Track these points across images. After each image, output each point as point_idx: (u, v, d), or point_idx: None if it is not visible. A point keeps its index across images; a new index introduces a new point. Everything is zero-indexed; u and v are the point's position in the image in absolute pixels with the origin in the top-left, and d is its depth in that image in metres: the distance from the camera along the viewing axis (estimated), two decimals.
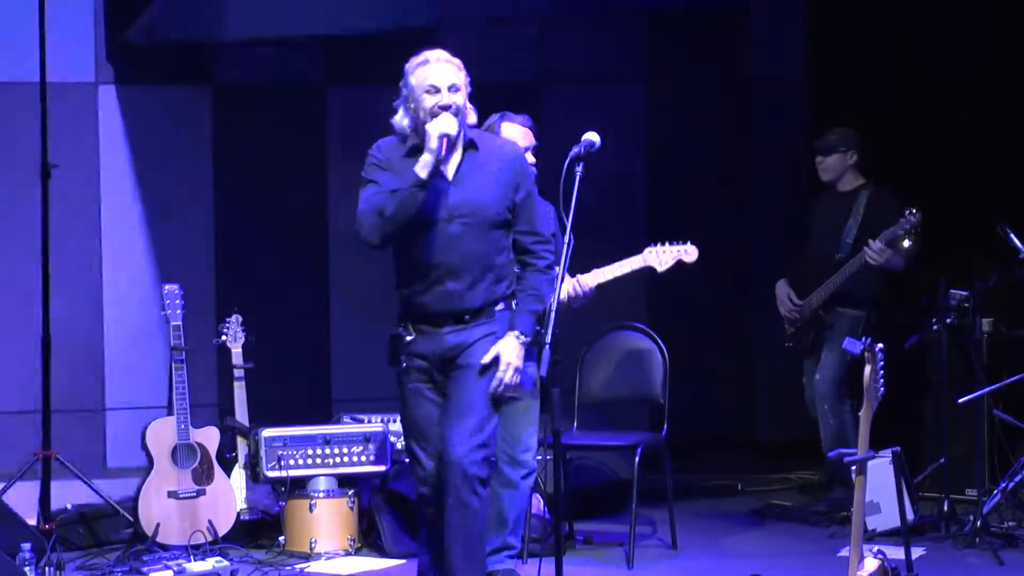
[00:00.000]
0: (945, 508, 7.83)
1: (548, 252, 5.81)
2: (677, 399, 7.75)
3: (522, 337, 5.70)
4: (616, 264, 6.63)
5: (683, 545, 7.71)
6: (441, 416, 5.78)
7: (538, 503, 7.58)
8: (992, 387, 7.80)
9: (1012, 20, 8.68)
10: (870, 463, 5.42)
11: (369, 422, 7.92)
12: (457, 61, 5.84)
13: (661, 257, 6.67)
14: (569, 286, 6.54)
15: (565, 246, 5.50)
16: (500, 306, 5.77)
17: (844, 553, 5.95)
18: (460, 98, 5.74)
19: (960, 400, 7.77)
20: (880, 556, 5.50)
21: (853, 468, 5.47)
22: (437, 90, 5.73)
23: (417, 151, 5.70)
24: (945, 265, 8.09)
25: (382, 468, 7.79)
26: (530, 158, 6.66)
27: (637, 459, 7.43)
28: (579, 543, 7.73)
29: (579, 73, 9.97)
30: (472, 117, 5.86)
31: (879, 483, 6.59)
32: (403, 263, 5.84)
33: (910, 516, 7.35)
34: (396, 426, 7.98)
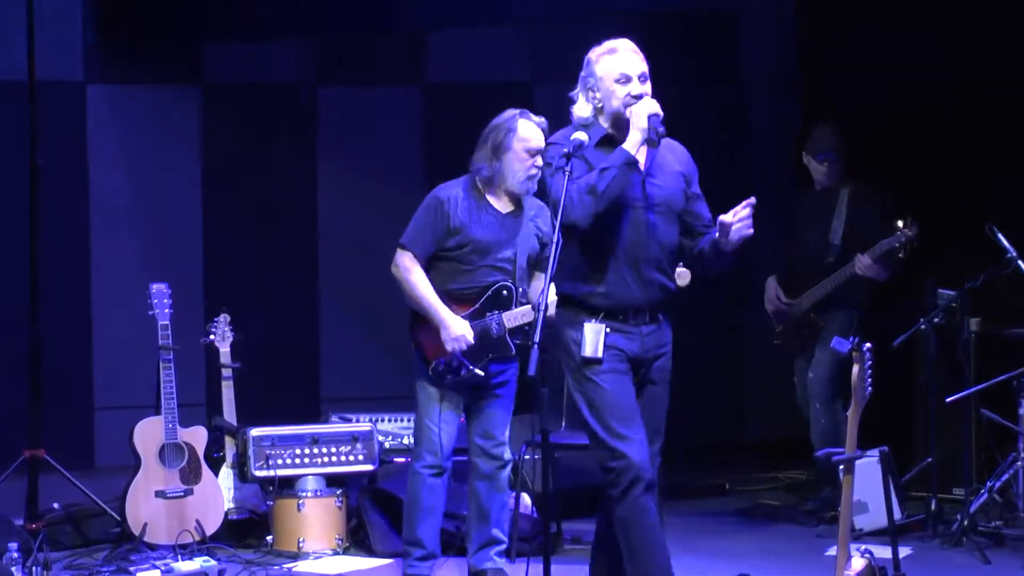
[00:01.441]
0: (932, 507, 7.85)
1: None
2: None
3: None
4: None
5: (671, 545, 7.69)
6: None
7: (527, 503, 7.58)
8: (979, 386, 7.81)
9: (998, 22, 8.70)
10: (858, 462, 5.43)
11: (357, 421, 7.92)
12: (641, 53, 5.82)
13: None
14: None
15: (554, 246, 5.48)
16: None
17: (832, 552, 5.97)
18: (649, 88, 5.71)
19: (948, 400, 7.79)
20: (867, 555, 5.51)
21: (841, 467, 5.48)
22: (628, 79, 5.69)
23: (608, 141, 5.67)
24: (934, 265, 8.11)
25: (370, 468, 7.78)
26: (539, 162, 6.64)
27: None
28: (567, 543, 7.72)
29: (570, 73, 9.97)
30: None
31: (867, 482, 6.60)
32: (588, 252, 5.68)
33: (897, 515, 7.36)
34: (384, 425, 8.00)
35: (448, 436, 6.64)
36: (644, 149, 5.64)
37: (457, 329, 6.54)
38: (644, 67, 5.71)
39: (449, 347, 6.55)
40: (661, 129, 5.59)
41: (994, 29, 8.73)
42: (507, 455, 6.76)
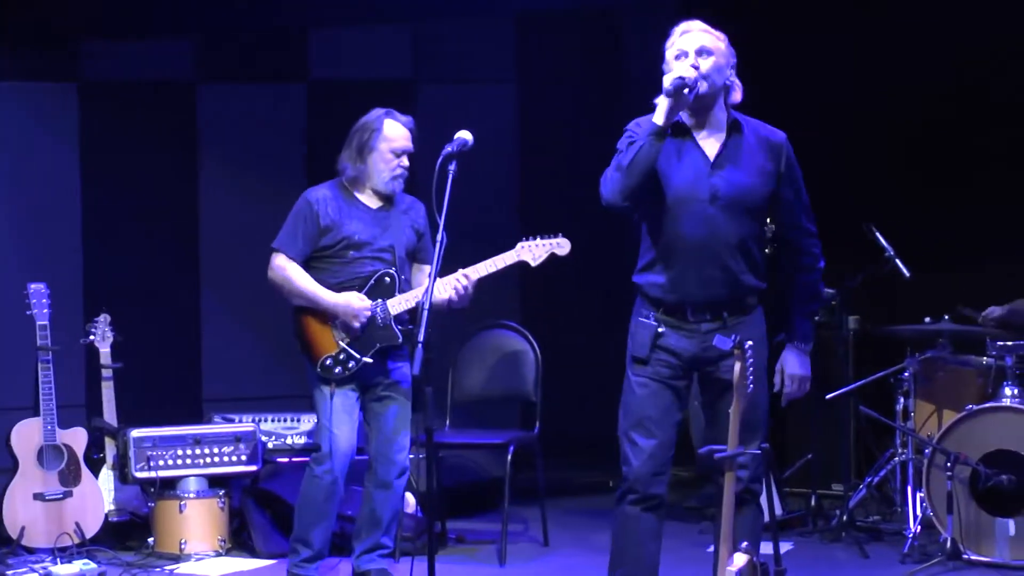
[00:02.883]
0: (812, 503, 7.95)
1: (815, 247, 5.58)
2: (550, 397, 7.78)
3: (805, 346, 5.56)
4: (489, 260, 6.60)
5: (555, 542, 7.75)
6: (707, 428, 5.64)
7: (411, 502, 7.57)
8: (858, 384, 7.92)
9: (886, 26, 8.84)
10: (739, 459, 5.47)
11: (240, 422, 7.86)
12: (718, 33, 5.48)
13: (534, 251, 6.63)
14: (450, 290, 6.46)
15: (438, 245, 5.47)
16: (753, 301, 5.52)
17: (714, 549, 6.00)
18: (709, 63, 5.36)
19: (827, 397, 7.89)
20: (749, 551, 5.56)
21: (723, 464, 5.52)
22: (685, 54, 5.41)
23: (675, 128, 5.41)
24: None
25: (253, 468, 7.73)
26: (405, 162, 6.64)
27: (509, 457, 7.45)
28: (452, 542, 7.73)
29: (452, 72, 9.98)
30: (737, 95, 5.51)
31: None
32: (653, 243, 5.51)
33: (778, 511, 7.44)
34: (267, 425, 7.94)
35: (346, 438, 6.60)
36: (717, 140, 5.44)
37: (353, 306, 6.53)
38: (707, 41, 5.40)
39: (355, 323, 6.52)
40: (689, 95, 5.31)
41: (881, 32, 8.86)
42: (405, 462, 6.72)
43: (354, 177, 6.66)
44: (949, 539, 7.05)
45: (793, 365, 5.59)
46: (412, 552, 6.79)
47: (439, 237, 5.45)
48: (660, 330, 5.51)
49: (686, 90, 5.29)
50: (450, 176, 5.50)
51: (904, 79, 8.83)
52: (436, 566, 5.44)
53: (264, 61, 9.67)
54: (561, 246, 6.62)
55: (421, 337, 5.27)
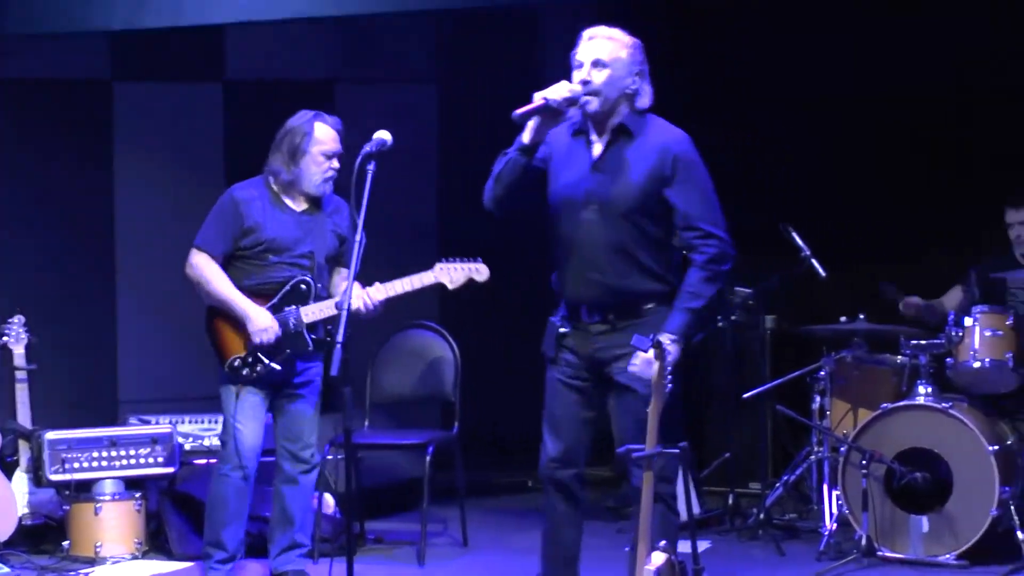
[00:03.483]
0: (730, 502, 8.00)
1: (708, 247, 5.51)
2: (469, 397, 7.79)
3: (672, 337, 5.39)
4: (406, 279, 6.61)
5: (474, 542, 7.75)
6: (615, 432, 5.64)
7: (329, 503, 7.55)
8: (775, 383, 7.98)
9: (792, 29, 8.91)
10: (657, 458, 5.49)
11: (157, 423, 7.80)
12: (624, 39, 5.54)
13: (452, 275, 6.64)
14: (358, 301, 6.45)
15: (357, 245, 5.46)
16: (650, 305, 5.52)
17: (631, 548, 6.03)
18: (603, 76, 5.46)
19: (744, 396, 7.94)
20: (667, 550, 5.58)
21: (641, 463, 5.54)
22: (581, 65, 5.49)
23: (579, 130, 5.55)
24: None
25: (170, 470, 7.67)
26: (335, 164, 6.62)
27: (429, 457, 7.45)
28: (370, 542, 7.72)
29: (371, 72, 9.95)
30: (643, 100, 5.55)
31: None
32: (551, 247, 5.64)
33: (696, 510, 7.47)
34: (185, 427, 7.89)
35: (253, 436, 6.57)
36: (602, 142, 5.51)
37: (262, 321, 6.50)
38: (602, 53, 5.47)
39: (257, 339, 6.49)
40: (567, 110, 5.41)
41: (789, 35, 8.94)
42: (314, 459, 6.71)
43: (287, 182, 6.63)
44: (864, 536, 7.12)
45: (643, 361, 5.45)
46: (330, 553, 6.77)
47: (358, 237, 5.46)
48: (562, 330, 5.61)
49: (568, 107, 5.41)
50: (369, 176, 5.49)
51: (815, 78, 8.93)
52: (355, 567, 5.44)
53: (180, 60, 9.60)
54: (479, 272, 6.64)
55: (340, 338, 5.26)
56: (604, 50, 5.49)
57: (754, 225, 8.22)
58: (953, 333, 7.39)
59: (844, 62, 8.95)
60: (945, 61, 8.71)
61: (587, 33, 5.55)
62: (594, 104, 5.46)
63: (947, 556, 7.08)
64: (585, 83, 5.46)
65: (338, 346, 5.25)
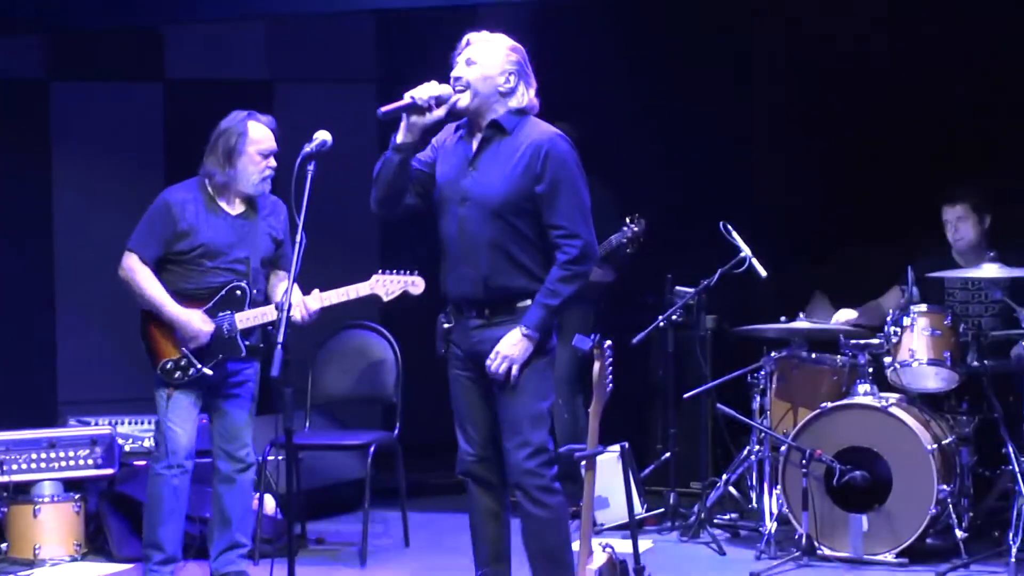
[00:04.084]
0: (671, 501, 8.02)
1: (571, 247, 5.50)
2: (410, 398, 7.77)
3: (525, 331, 5.46)
4: (342, 290, 6.61)
5: (415, 542, 7.75)
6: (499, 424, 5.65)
7: (270, 504, 7.52)
8: (715, 382, 8.01)
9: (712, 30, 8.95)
10: (599, 458, 5.50)
11: (96, 424, 7.75)
12: (504, 41, 5.66)
13: (388, 286, 6.66)
14: (296, 309, 6.44)
15: (297, 246, 5.45)
16: (525, 303, 5.53)
17: (574, 547, 6.03)
18: (475, 73, 5.56)
19: (685, 396, 7.97)
20: (608, 550, 5.60)
21: (583, 463, 5.55)
22: (455, 64, 5.63)
23: (466, 129, 5.66)
24: (670, 262, 8.27)
25: (110, 471, 7.62)
26: (272, 163, 6.60)
27: (370, 458, 7.44)
28: (312, 543, 7.70)
29: (311, 71, 9.92)
30: (519, 100, 5.59)
31: (608, 478, 6.70)
32: (438, 243, 5.70)
33: (637, 510, 7.49)
34: (124, 428, 7.84)
35: (186, 436, 6.55)
36: (478, 139, 5.59)
37: (193, 325, 6.49)
38: (475, 51, 5.61)
39: (190, 344, 6.47)
40: (435, 107, 5.51)
41: (726, 35, 8.98)
42: (250, 458, 6.69)
43: (223, 183, 6.60)
44: (804, 535, 7.16)
45: (503, 342, 5.53)
46: (272, 554, 6.75)
47: (298, 238, 5.43)
48: (446, 325, 5.68)
49: (437, 105, 5.51)
50: (309, 177, 5.47)
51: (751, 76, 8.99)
52: (296, 568, 5.41)
53: (119, 60, 9.54)
54: (415, 285, 6.66)
55: (280, 338, 5.24)
56: (478, 50, 5.62)
57: (694, 225, 8.28)
58: (892, 333, 7.44)
59: (780, 63, 9.00)
60: (881, 61, 8.77)
61: (467, 37, 5.70)
62: (464, 100, 5.57)
63: (886, 554, 7.12)
64: (456, 79, 5.58)
65: (278, 347, 5.23)
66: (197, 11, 8.47)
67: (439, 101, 5.53)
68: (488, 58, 5.59)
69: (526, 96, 5.62)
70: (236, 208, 6.63)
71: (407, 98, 5.53)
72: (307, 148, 5.56)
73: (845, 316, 7.89)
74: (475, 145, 5.62)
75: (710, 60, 9.08)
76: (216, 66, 9.72)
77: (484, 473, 5.72)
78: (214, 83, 9.57)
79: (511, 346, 5.49)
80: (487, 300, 5.57)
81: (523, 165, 5.52)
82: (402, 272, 6.66)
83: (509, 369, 5.49)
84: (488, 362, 5.51)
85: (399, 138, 5.57)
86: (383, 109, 5.54)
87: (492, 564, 5.78)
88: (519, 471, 5.55)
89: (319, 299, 6.53)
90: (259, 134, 6.58)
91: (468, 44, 5.65)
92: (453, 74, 5.59)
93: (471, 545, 5.82)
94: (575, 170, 5.58)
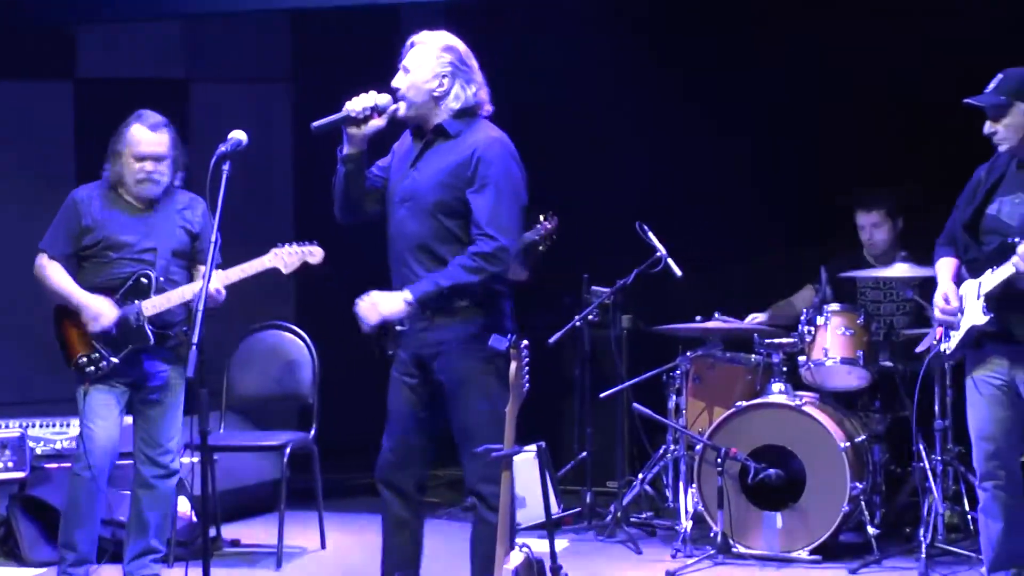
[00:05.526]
0: (588, 500, 8.04)
1: (485, 243, 5.47)
2: (327, 398, 7.75)
3: (408, 296, 5.47)
4: (239, 266, 6.58)
5: (332, 544, 7.72)
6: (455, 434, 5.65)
7: (185, 506, 7.47)
8: (631, 382, 8.04)
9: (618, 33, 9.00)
10: (516, 458, 5.51)
11: (6, 427, 7.66)
12: (442, 43, 5.68)
13: (286, 259, 6.64)
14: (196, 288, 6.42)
15: (212, 245, 5.42)
16: (463, 303, 5.52)
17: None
18: (404, 81, 5.61)
19: (601, 395, 7.99)
20: (525, 549, 5.60)
21: (500, 463, 5.56)
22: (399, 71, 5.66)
23: (415, 132, 5.71)
24: (586, 262, 8.30)
25: (20, 475, 7.54)
26: (149, 167, 6.54)
27: (286, 459, 7.41)
28: (227, 546, 7.66)
29: (227, 71, 9.87)
30: (455, 103, 5.62)
31: (524, 478, 6.69)
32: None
33: (554, 509, 7.50)
34: (36, 431, 7.76)
35: (102, 436, 6.51)
36: (421, 142, 5.63)
37: (94, 308, 6.50)
38: (409, 60, 5.64)
39: (92, 327, 6.47)
40: (373, 117, 5.57)
41: (644, 36, 9.02)
42: (173, 464, 6.64)
43: (114, 180, 6.65)
44: (719, 533, 7.21)
45: (380, 294, 5.56)
46: (186, 557, 6.69)
47: (213, 237, 5.41)
48: (397, 328, 5.68)
49: (375, 115, 5.57)
50: (224, 176, 5.44)
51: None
52: (211, 571, 5.38)
53: (30, 58, 9.44)
54: (313, 254, 6.66)
55: (195, 339, 5.22)
56: (412, 56, 5.66)
57: (611, 225, 8.31)
58: (805, 332, 7.50)
59: (702, 65, 9.05)
60: (799, 63, 8.84)
61: (411, 39, 5.73)
62: (402, 109, 5.63)
63: (800, 551, 7.19)
64: (395, 90, 5.63)
65: (193, 347, 5.20)
66: (111, 10, 8.40)
67: (378, 111, 5.58)
68: (419, 64, 5.63)
69: (463, 95, 5.64)
70: (139, 202, 6.62)
71: (344, 110, 5.56)
72: (222, 148, 5.53)
73: (755, 320, 7.96)
74: (419, 148, 5.65)
75: (631, 60, 9.11)
76: (131, 65, 9.64)
77: (400, 481, 5.73)
78: (128, 82, 9.48)
79: (387, 299, 5.51)
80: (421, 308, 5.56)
81: (456, 166, 5.55)
82: (301, 243, 6.64)
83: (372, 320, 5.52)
84: (359, 300, 5.53)
85: (344, 149, 5.63)
86: (316, 124, 5.55)
87: (392, 571, 5.81)
88: (477, 478, 5.57)
89: (221, 277, 6.49)
90: (137, 136, 6.58)
91: (410, 47, 5.68)
92: (393, 84, 5.62)
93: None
94: (506, 176, 5.58)
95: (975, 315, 5.80)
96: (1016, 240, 5.65)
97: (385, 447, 5.75)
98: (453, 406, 5.59)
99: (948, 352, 5.98)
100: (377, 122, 5.59)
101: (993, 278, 5.74)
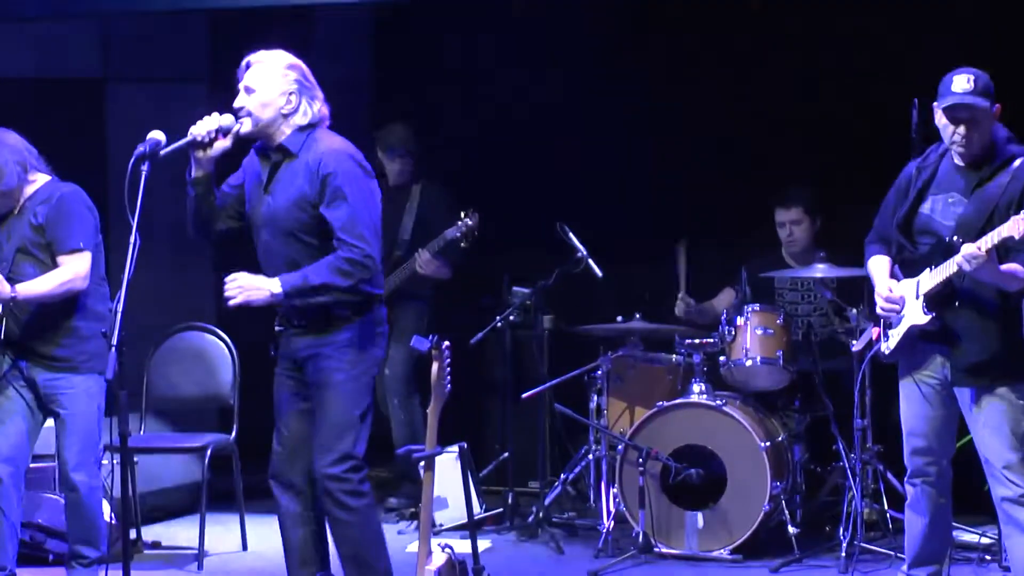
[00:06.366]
0: (509, 501, 8.04)
1: (349, 250, 5.55)
2: (247, 399, 7.70)
3: (276, 288, 5.57)
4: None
5: (253, 545, 7.69)
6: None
7: (105, 509, 7.40)
8: (553, 382, 8.04)
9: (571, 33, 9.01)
10: (437, 459, 5.51)
11: None
12: (281, 61, 5.72)
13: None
14: None
15: (131, 247, 5.37)
16: (345, 313, 5.64)
17: (413, 548, 6.04)
18: (250, 100, 5.66)
19: (523, 395, 7.99)
20: (448, 550, 5.60)
21: (421, 464, 5.55)
22: (242, 91, 5.72)
23: (262, 154, 5.78)
24: (507, 263, 8.31)
25: None
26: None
27: (207, 461, 7.37)
28: (148, 548, 7.60)
29: (143, 71, 9.78)
30: (302, 119, 5.68)
31: (446, 478, 6.71)
32: None
33: (476, 510, 7.51)
34: None
35: (6, 440, 6.42)
36: (269, 164, 5.70)
37: None
38: (251, 80, 5.70)
39: None
40: (218, 139, 5.65)
41: (537, 36, 9.04)
42: (76, 477, 6.45)
43: None
44: (641, 533, 7.23)
45: (253, 277, 5.64)
46: (106, 560, 6.63)
47: (132, 239, 5.37)
48: (277, 328, 5.81)
49: (221, 136, 5.65)
50: (143, 177, 5.41)
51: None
52: (131, 573, 5.35)
53: None
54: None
55: (115, 340, 5.18)
56: (254, 76, 5.71)
57: (531, 226, 8.32)
58: (726, 332, 7.54)
59: (621, 62, 9.08)
60: (714, 64, 8.89)
61: (246, 60, 5.77)
62: (247, 126, 5.70)
63: (721, 551, 7.23)
64: (238, 110, 5.69)
65: (112, 349, 5.17)
66: (25, 8, 8.31)
67: (222, 132, 5.65)
68: (265, 83, 5.69)
69: (310, 111, 5.72)
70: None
71: (189, 135, 5.62)
72: (140, 148, 5.49)
73: (683, 303, 7.99)
74: (268, 170, 5.73)
75: (551, 58, 9.12)
76: (47, 64, 9.53)
77: (291, 475, 5.80)
78: (41, 82, 9.37)
79: (256, 283, 5.61)
80: (303, 315, 5.68)
81: (304, 188, 5.64)
82: None
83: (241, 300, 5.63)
84: (228, 279, 5.62)
85: (191, 173, 5.72)
86: (163, 151, 5.53)
87: (300, 569, 5.84)
88: (322, 475, 5.64)
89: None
90: None
91: (248, 67, 5.74)
92: (235, 104, 5.68)
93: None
94: (355, 184, 5.65)
95: (915, 315, 5.78)
96: (956, 240, 5.63)
97: (275, 445, 5.85)
98: (316, 405, 5.70)
99: (888, 352, 5.97)
100: (223, 143, 5.68)
101: (932, 278, 5.72)
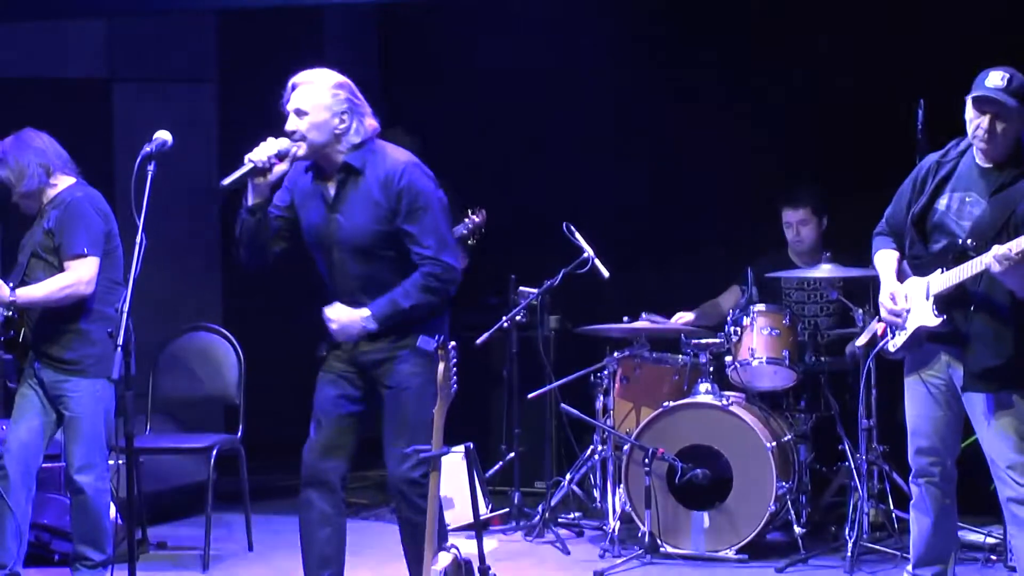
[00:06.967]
0: (516, 501, 8.05)
1: (434, 265, 5.61)
2: (253, 400, 7.71)
3: (366, 313, 5.59)
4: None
5: (259, 546, 7.69)
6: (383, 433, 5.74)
7: (111, 509, 7.41)
8: (559, 382, 8.04)
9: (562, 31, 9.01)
10: (444, 459, 5.51)
11: None
12: (325, 80, 5.67)
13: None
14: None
15: (137, 247, 5.37)
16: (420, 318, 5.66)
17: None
18: (305, 123, 5.61)
19: (529, 395, 8.00)
20: (453, 550, 5.60)
21: (428, 464, 5.55)
22: (289, 114, 5.68)
23: (316, 172, 5.74)
24: (513, 263, 8.31)
25: None
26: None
27: (212, 461, 7.37)
28: (153, 548, 7.61)
29: (150, 71, 9.79)
30: (355, 138, 5.65)
31: (452, 478, 6.70)
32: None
33: (482, 510, 7.50)
34: None
35: (16, 437, 6.46)
36: (335, 184, 5.67)
37: None
38: (302, 102, 5.64)
39: None
40: (276, 163, 5.60)
41: (543, 36, 9.05)
42: (81, 480, 6.46)
43: None
44: (647, 533, 7.23)
45: (349, 311, 5.66)
46: (111, 561, 6.64)
47: (138, 239, 5.37)
48: (323, 354, 5.83)
49: (279, 161, 5.61)
50: (149, 177, 5.41)
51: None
52: (137, 573, 5.35)
53: None
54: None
55: (120, 341, 5.19)
56: (304, 98, 5.67)
57: (538, 226, 8.32)
58: (732, 332, 7.54)
59: (629, 65, 9.08)
60: (720, 64, 8.89)
61: (291, 82, 5.74)
62: (303, 150, 5.66)
63: (727, 551, 7.22)
64: (291, 133, 5.65)
65: (118, 349, 5.18)
66: (30, 9, 8.32)
67: (280, 156, 5.62)
68: (315, 105, 5.65)
69: (363, 128, 5.70)
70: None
71: (247, 162, 5.58)
72: (147, 148, 5.49)
73: (682, 319, 7.99)
74: (333, 189, 5.68)
75: (561, 60, 9.13)
76: (54, 64, 9.55)
77: (326, 472, 5.80)
78: (47, 82, 9.39)
79: (351, 317, 5.62)
80: (383, 331, 5.66)
81: (379, 204, 5.62)
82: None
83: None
84: (329, 312, 5.63)
85: (250, 200, 5.65)
86: (225, 181, 5.57)
87: (318, 569, 5.84)
88: (403, 479, 5.64)
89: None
90: None
91: (294, 89, 5.70)
92: (287, 127, 5.64)
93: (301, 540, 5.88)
94: (429, 195, 5.68)
95: (924, 316, 5.73)
96: (970, 243, 5.59)
97: (313, 437, 5.81)
98: (389, 406, 5.68)
99: (894, 350, 5.93)
100: (281, 167, 5.65)
101: (944, 279, 5.66)
